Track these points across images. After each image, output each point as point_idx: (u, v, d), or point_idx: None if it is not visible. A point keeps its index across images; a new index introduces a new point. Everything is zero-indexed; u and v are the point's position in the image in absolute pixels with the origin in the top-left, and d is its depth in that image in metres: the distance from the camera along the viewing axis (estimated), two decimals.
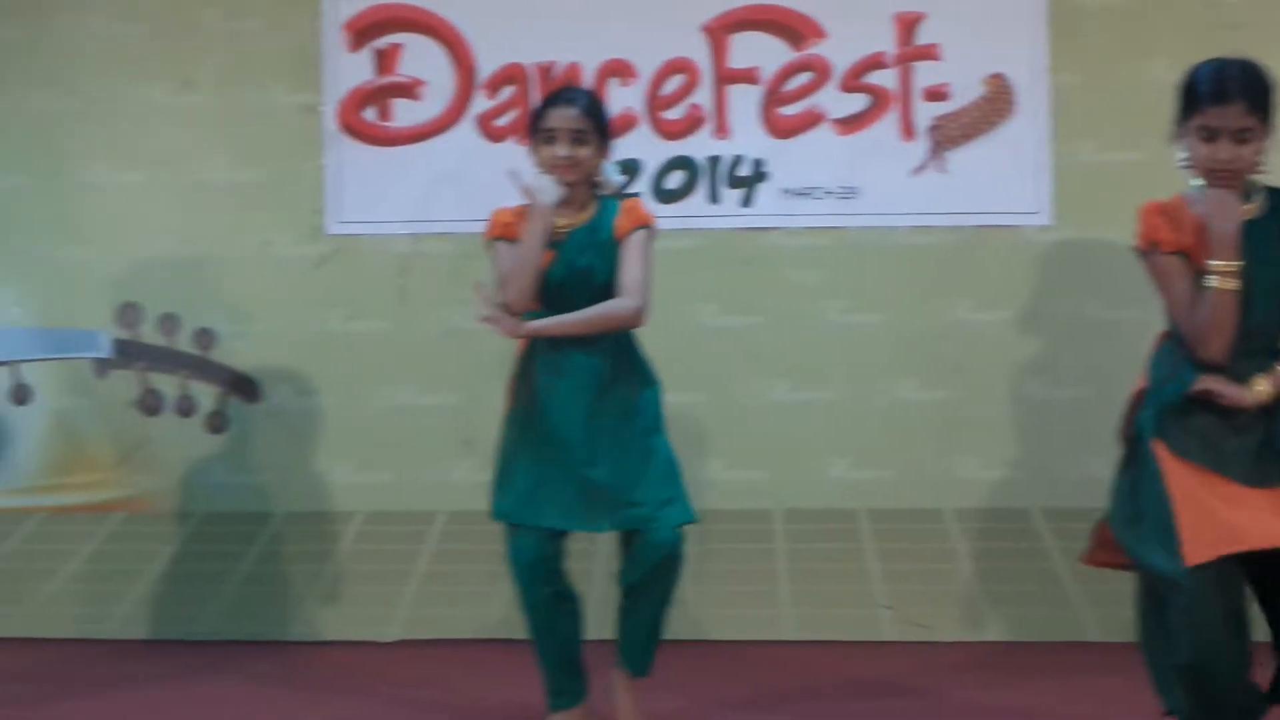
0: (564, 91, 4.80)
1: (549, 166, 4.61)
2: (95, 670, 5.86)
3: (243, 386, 6.51)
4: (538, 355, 4.65)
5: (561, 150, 4.58)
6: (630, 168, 6.22)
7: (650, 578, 4.60)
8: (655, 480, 4.60)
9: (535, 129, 4.66)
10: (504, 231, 4.67)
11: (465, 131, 6.38)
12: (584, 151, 4.60)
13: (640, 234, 4.64)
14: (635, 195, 5.62)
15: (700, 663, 5.68)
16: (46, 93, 6.60)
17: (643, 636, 4.70)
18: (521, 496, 4.61)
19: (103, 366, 6.55)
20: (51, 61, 6.60)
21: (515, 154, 6.25)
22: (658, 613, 4.68)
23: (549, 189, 4.55)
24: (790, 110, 6.31)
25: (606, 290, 4.61)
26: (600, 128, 4.66)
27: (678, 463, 4.70)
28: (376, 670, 5.85)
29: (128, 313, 6.54)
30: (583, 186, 4.67)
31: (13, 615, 6.49)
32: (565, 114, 4.60)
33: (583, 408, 4.58)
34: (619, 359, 4.65)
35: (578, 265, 4.60)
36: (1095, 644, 5.96)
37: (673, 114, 6.33)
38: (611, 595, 4.78)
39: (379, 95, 6.44)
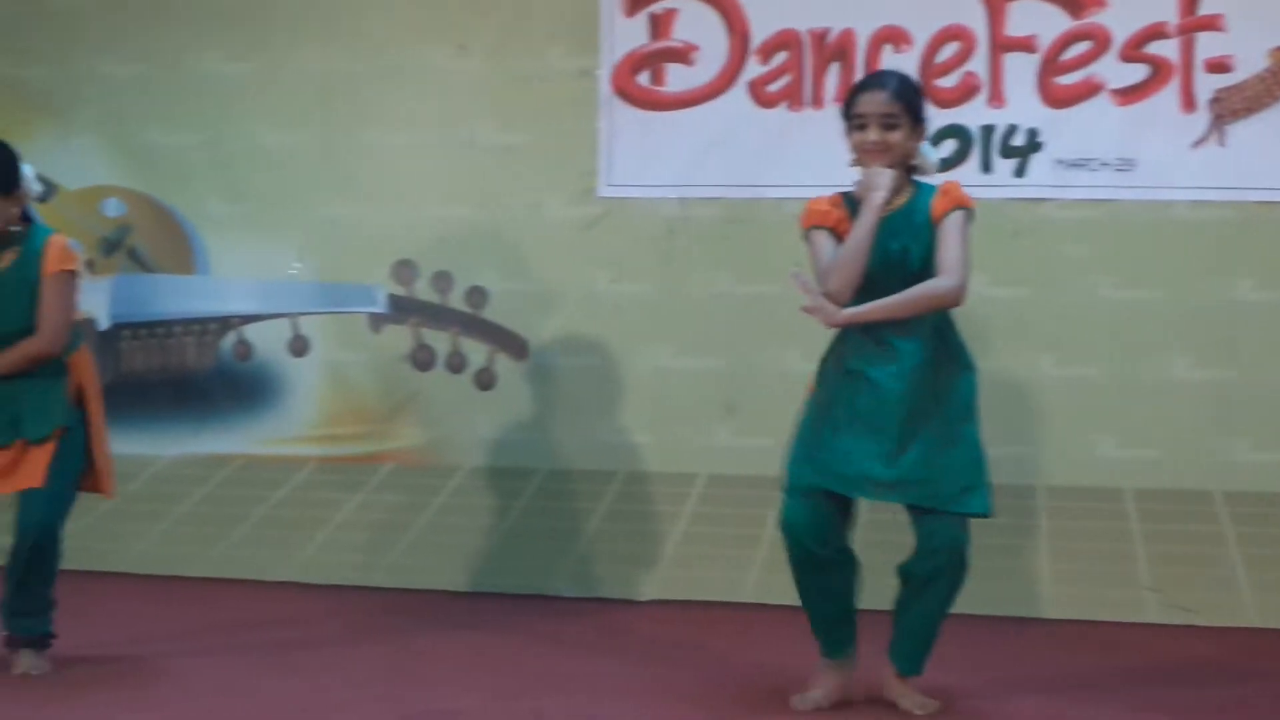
0: (874, 76, 4.76)
1: (860, 152, 4.56)
2: (365, 618, 6.01)
3: (511, 344, 6.62)
4: (849, 339, 4.58)
5: (871, 135, 4.52)
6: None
7: (934, 570, 4.53)
8: (958, 467, 4.53)
9: (847, 114, 4.60)
10: (821, 220, 4.63)
11: (736, 97, 6.39)
12: (894, 136, 4.52)
13: (958, 214, 4.53)
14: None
15: (961, 638, 5.63)
16: (328, 55, 6.80)
17: (919, 635, 4.61)
18: (814, 467, 4.55)
19: (378, 321, 6.73)
20: (334, 25, 6.80)
21: (785, 120, 6.32)
22: (935, 611, 4.59)
23: (883, 180, 4.50)
24: (1067, 79, 6.20)
25: (921, 274, 4.52)
26: (912, 110, 4.57)
27: (985, 454, 4.62)
28: (631, 628, 5.91)
29: (403, 270, 6.71)
30: (898, 170, 4.56)
31: (286, 561, 6.71)
32: (875, 99, 4.54)
33: (896, 392, 4.50)
34: (937, 342, 4.57)
35: (891, 249, 4.52)
36: None
37: (947, 82, 6.26)
38: (876, 565, 4.75)
39: (653, 60, 6.48)
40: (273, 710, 4.54)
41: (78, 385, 5.00)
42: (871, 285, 4.54)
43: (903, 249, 4.53)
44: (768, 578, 4.75)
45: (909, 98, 4.59)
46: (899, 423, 4.51)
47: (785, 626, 4.85)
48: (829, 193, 4.65)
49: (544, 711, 4.60)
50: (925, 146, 4.68)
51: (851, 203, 4.61)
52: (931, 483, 4.51)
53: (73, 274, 4.97)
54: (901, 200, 4.58)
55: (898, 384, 4.51)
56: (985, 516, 4.60)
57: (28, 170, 4.99)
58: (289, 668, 5.13)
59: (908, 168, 4.62)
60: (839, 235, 4.60)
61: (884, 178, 4.50)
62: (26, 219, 5.02)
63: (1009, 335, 6.21)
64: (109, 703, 4.60)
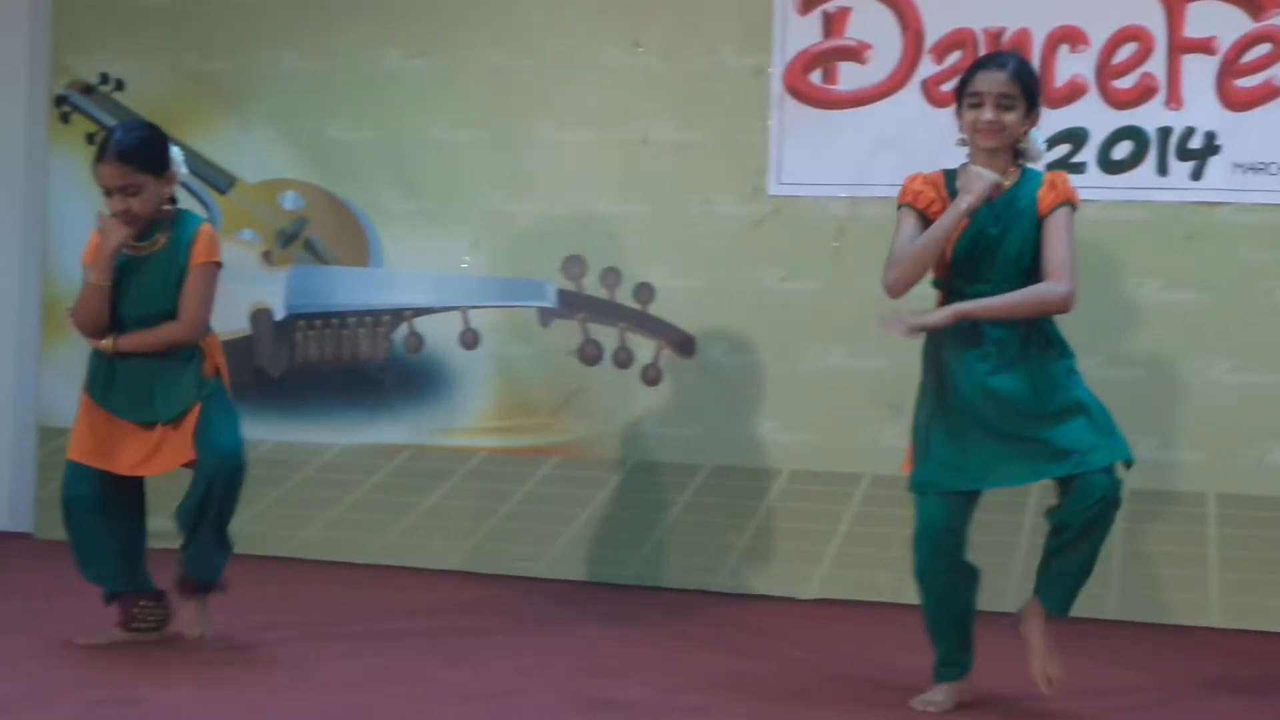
0: (993, 56, 4.76)
1: (972, 130, 4.55)
2: (530, 608, 6.09)
3: (678, 341, 6.65)
4: (949, 327, 4.55)
5: (987, 114, 4.51)
6: (1077, 137, 6.10)
7: (1085, 520, 4.47)
8: (1082, 426, 4.48)
9: (962, 93, 4.60)
10: (913, 200, 4.64)
11: (909, 96, 6.35)
12: (1009, 117, 4.52)
13: (1064, 210, 4.53)
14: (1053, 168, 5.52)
15: (1129, 645, 5.58)
16: (502, 50, 6.85)
17: (1071, 578, 4.57)
18: (939, 466, 4.56)
19: (547, 316, 6.79)
20: (507, 20, 6.85)
21: None
22: (1089, 556, 4.55)
23: (980, 186, 4.47)
24: (1247, 82, 6.09)
25: (1014, 261, 4.51)
26: (1028, 94, 4.56)
27: (1105, 408, 4.57)
28: (794, 626, 5.93)
29: (572, 265, 6.76)
30: (1005, 153, 4.58)
31: (453, 550, 6.81)
32: (993, 78, 4.53)
33: (994, 383, 4.50)
34: (1033, 332, 4.55)
35: (988, 233, 4.52)
36: None
37: (1123, 83, 6.17)
38: (1028, 570, 4.71)
39: (826, 58, 6.47)
40: (442, 696, 4.61)
41: (214, 367, 5.09)
42: (961, 267, 4.55)
43: (1000, 234, 4.52)
44: None
45: (1026, 80, 4.58)
46: (1007, 415, 4.49)
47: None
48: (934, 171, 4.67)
49: (709, 708, 4.62)
50: (1035, 134, 4.64)
51: (950, 184, 4.61)
52: (1064, 451, 4.47)
53: (217, 265, 5.08)
54: (1006, 184, 4.55)
55: (998, 378, 4.50)
56: (1128, 460, 4.54)
57: (175, 152, 5.09)
58: (456, 655, 5.20)
59: (1015, 152, 4.60)
60: (928, 217, 4.60)
61: (982, 183, 4.47)
62: (174, 202, 5.13)
63: (1183, 340, 6.11)
64: (276, 686, 4.69)
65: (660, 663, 5.23)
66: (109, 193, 4.98)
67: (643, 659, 5.29)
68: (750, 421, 6.58)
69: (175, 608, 5.13)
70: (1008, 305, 4.51)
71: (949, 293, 4.62)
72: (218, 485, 4.96)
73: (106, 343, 5.02)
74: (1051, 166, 4.63)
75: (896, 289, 4.65)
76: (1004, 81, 4.53)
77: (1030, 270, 4.55)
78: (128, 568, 5.10)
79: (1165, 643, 5.78)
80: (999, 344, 4.52)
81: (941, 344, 4.60)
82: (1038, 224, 4.54)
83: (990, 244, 4.53)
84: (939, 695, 4.66)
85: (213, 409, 5.00)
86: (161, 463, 5.01)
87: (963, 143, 4.63)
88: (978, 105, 4.53)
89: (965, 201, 4.49)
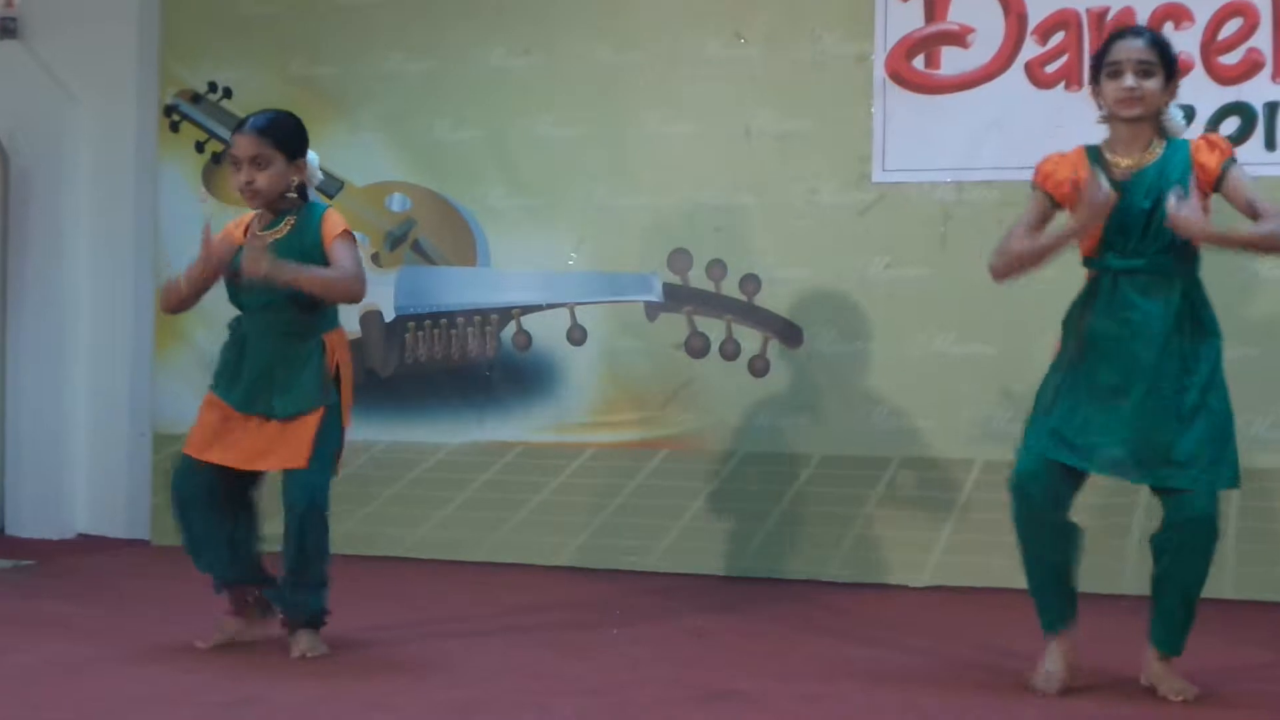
0: (1128, 27, 4.65)
1: (1112, 101, 4.46)
2: (642, 601, 6.11)
3: (785, 331, 6.65)
4: (1098, 299, 4.51)
5: (1127, 81, 4.42)
6: (1185, 113, 6.03)
7: (1182, 543, 4.42)
8: (1205, 439, 4.41)
9: (1099, 65, 4.52)
10: (1042, 181, 4.60)
11: (1013, 78, 6.32)
12: (1150, 85, 4.43)
13: (1233, 165, 4.45)
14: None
15: (1219, 622, 5.52)
16: (604, 46, 6.89)
17: (1176, 614, 4.49)
18: (1051, 434, 4.50)
19: (653, 310, 6.81)
20: (610, 16, 6.90)
21: (1063, 100, 6.23)
22: (1191, 587, 4.47)
23: (1100, 199, 4.40)
24: None
25: (1169, 233, 4.40)
26: (1167, 63, 4.48)
27: (1233, 422, 4.49)
28: (908, 614, 5.91)
29: (678, 259, 6.77)
30: (1149, 124, 4.50)
31: (564, 546, 6.84)
32: (1132, 45, 4.45)
33: (1141, 358, 4.42)
34: (1184, 307, 4.46)
35: (1140, 207, 4.44)
36: None
37: (1229, 59, 6.11)
38: (1145, 549, 4.67)
39: (928, 43, 6.45)
40: (558, 690, 4.63)
41: (335, 365, 5.04)
42: (1112, 242, 4.48)
43: (1152, 207, 4.43)
44: None
45: (1164, 49, 4.50)
46: (1143, 395, 4.42)
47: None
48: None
49: (826, 696, 4.61)
50: (1174, 108, 4.56)
51: (1095, 159, 4.53)
52: (1174, 462, 4.40)
53: (351, 234, 5.03)
54: (1151, 157, 4.49)
55: (1145, 352, 4.43)
56: (1234, 488, 4.48)
57: (313, 156, 5.13)
58: (571, 649, 5.22)
59: (1157, 124, 4.52)
60: (1056, 200, 4.56)
61: (1098, 199, 4.38)
62: (304, 198, 5.12)
63: None
64: (394, 684, 4.72)
65: (775, 653, 5.23)
66: (238, 165, 5.00)
67: (757, 649, 5.29)
68: (859, 410, 6.57)
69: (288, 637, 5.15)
70: (1257, 236, 4.39)
71: (1100, 270, 4.54)
72: (303, 532, 4.96)
73: (256, 246, 4.89)
74: (1177, 140, 4.53)
75: (998, 276, 4.64)
76: (1142, 49, 4.45)
77: (1185, 242, 4.44)
78: (239, 558, 5.11)
79: (1261, 619, 5.72)
80: (1151, 317, 4.45)
81: (1088, 311, 4.53)
82: (1195, 191, 4.44)
83: (1143, 219, 4.45)
84: (1052, 664, 4.61)
85: (323, 432, 4.97)
86: (272, 461, 5.00)
87: (1104, 119, 4.55)
88: (1117, 74, 4.45)
89: (1080, 221, 4.44)
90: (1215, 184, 4.45)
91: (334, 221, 5.02)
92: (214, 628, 5.18)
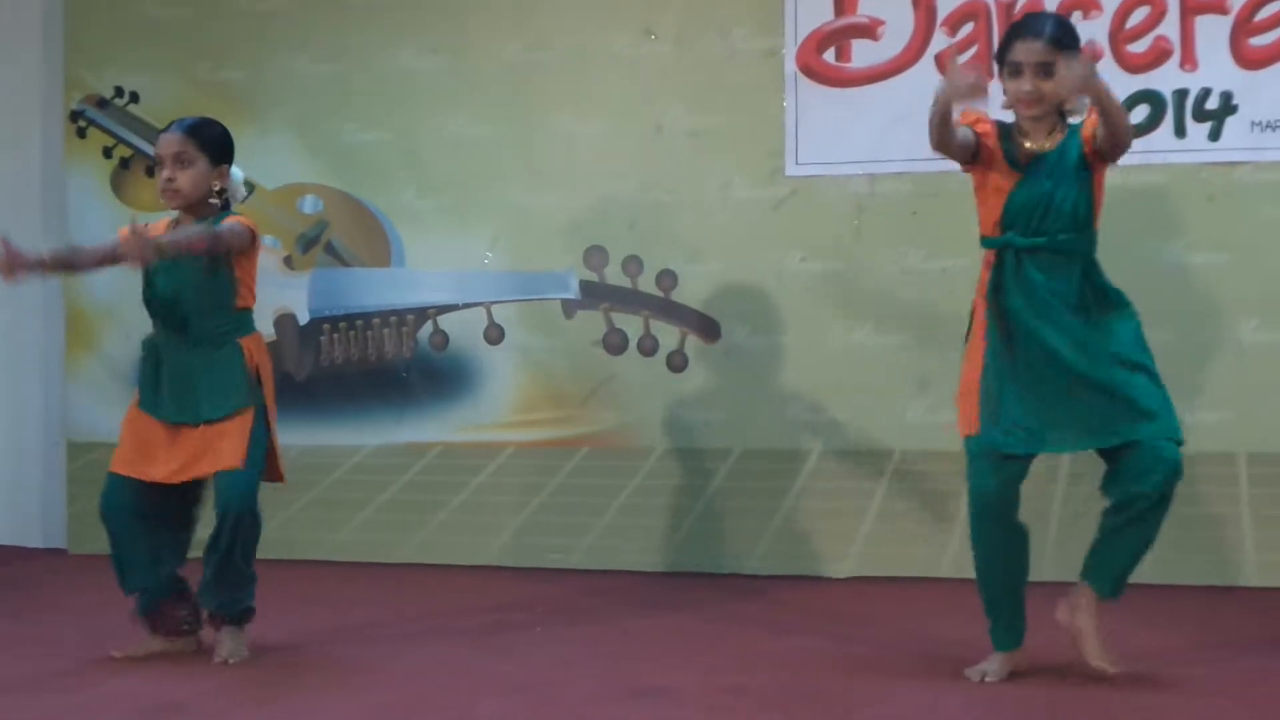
0: (1030, 21, 4.64)
1: (1014, 100, 4.55)
2: (567, 600, 6.10)
3: (702, 326, 6.66)
4: (1004, 277, 4.56)
5: (1026, 85, 4.49)
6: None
7: (1156, 494, 4.45)
8: (1156, 392, 4.51)
9: (1001, 61, 4.59)
10: (965, 118, 4.60)
11: (924, 70, 6.33)
12: (1048, 85, 4.47)
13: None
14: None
15: (1164, 607, 5.58)
16: (514, 44, 6.86)
17: (1127, 558, 4.55)
18: (1013, 428, 4.52)
19: (570, 308, 6.80)
20: (519, 15, 6.86)
21: None
22: (1150, 534, 4.53)
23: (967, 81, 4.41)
24: (1261, 41, 6.07)
25: (1070, 215, 4.51)
26: (1069, 54, 4.47)
27: (1164, 386, 4.56)
28: (830, 605, 5.93)
29: (593, 256, 6.77)
30: (1050, 117, 4.56)
31: (487, 546, 6.82)
32: (1030, 48, 4.49)
33: (1061, 328, 4.49)
34: (1085, 285, 4.55)
35: (1042, 188, 4.52)
36: None
37: (1137, 47, 6.17)
38: (1063, 537, 4.71)
39: (838, 36, 6.46)
40: (485, 691, 4.62)
41: (255, 367, 5.02)
42: (1013, 221, 4.55)
43: (1054, 188, 4.51)
44: (966, 552, 4.72)
45: (1065, 42, 4.52)
46: (1071, 370, 4.48)
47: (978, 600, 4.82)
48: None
49: (750, 688, 4.63)
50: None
51: (1005, 137, 4.59)
52: (1120, 418, 4.47)
53: (248, 225, 4.98)
54: (1055, 141, 4.56)
55: (1066, 331, 4.50)
56: (1179, 442, 4.51)
57: (238, 172, 5.12)
58: (497, 649, 5.21)
59: (1060, 112, 4.59)
60: (977, 134, 4.59)
61: (972, 80, 4.42)
62: (225, 208, 5.09)
63: (1208, 301, 6.11)
64: (315, 691, 4.69)
65: (700, 647, 5.24)
66: (162, 163, 4.98)
67: (682, 644, 5.30)
68: (778, 403, 6.58)
69: (213, 635, 5.10)
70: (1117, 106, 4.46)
71: (1002, 248, 4.59)
72: (236, 533, 4.92)
73: (135, 238, 4.67)
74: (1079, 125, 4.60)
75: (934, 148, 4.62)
76: (1041, 50, 4.48)
77: (1085, 223, 4.56)
78: (161, 574, 5.08)
79: (1200, 603, 5.78)
80: (1056, 295, 4.52)
81: (1001, 291, 4.57)
82: (1090, 174, 4.54)
83: (1044, 199, 4.53)
84: (993, 665, 4.65)
85: (256, 430, 4.97)
86: (205, 466, 4.95)
87: (1009, 107, 4.60)
88: (1016, 74, 4.51)
89: (953, 91, 4.43)
90: (1094, 142, 4.51)
91: (233, 218, 5.00)
92: (134, 639, 5.13)
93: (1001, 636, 4.68)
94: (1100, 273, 4.61)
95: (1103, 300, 4.58)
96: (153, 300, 5.02)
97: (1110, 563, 4.57)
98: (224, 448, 4.93)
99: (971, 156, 4.61)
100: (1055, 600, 4.67)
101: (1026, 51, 4.50)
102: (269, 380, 5.09)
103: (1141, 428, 4.48)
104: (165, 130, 5.06)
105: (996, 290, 4.59)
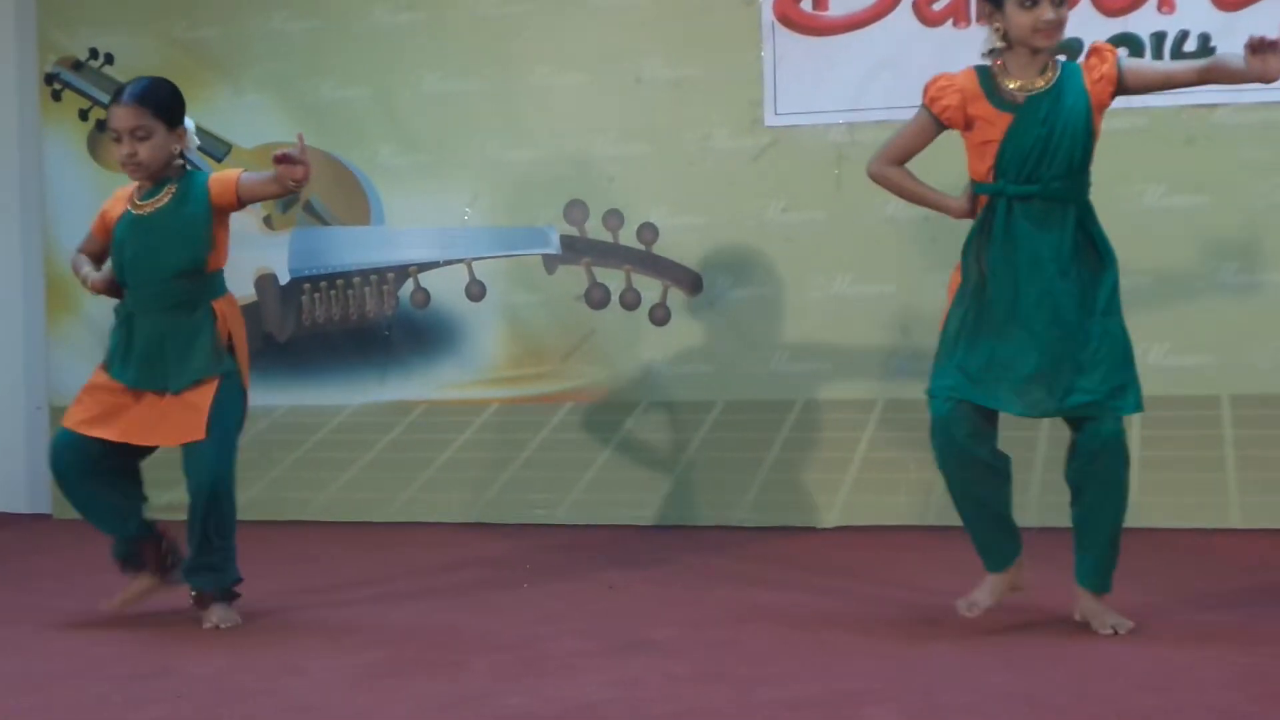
0: None
1: (1032, 31, 4.36)
2: (553, 555, 6.10)
3: (684, 279, 6.65)
4: (993, 227, 4.49)
5: (1048, 14, 4.34)
6: (1071, 47, 6.03)
7: (1096, 473, 4.44)
8: (1109, 365, 4.42)
9: None
10: (930, 103, 4.55)
11: (901, 17, 6.32)
12: (1065, 11, 4.38)
13: (1124, 60, 4.45)
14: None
15: (1147, 551, 5.58)
16: None
17: (1102, 552, 4.51)
18: (959, 374, 4.49)
19: (551, 262, 6.79)
20: None
21: (952, 38, 6.24)
22: (1114, 522, 4.49)
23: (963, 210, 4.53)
24: None
25: (1066, 160, 4.41)
26: None
27: (1132, 347, 4.50)
28: (817, 555, 5.94)
29: (574, 210, 6.75)
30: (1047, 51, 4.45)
31: (472, 503, 6.83)
32: None
33: (1038, 286, 4.42)
34: (1079, 235, 4.47)
35: (1036, 133, 4.41)
36: None
37: None
38: (1048, 481, 4.71)
39: None
40: (472, 648, 4.62)
41: (228, 333, 4.96)
42: (1006, 169, 4.45)
43: (1048, 133, 4.41)
44: (951, 500, 4.71)
45: None
46: (1044, 325, 4.42)
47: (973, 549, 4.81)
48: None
49: (738, 640, 4.64)
50: None
51: (986, 81, 4.49)
52: (1081, 389, 4.40)
53: (244, 171, 4.98)
54: (1045, 81, 4.45)
55: (1043, 283, 4.42)
56: (1138, 411, 4.47)
57: (190, 124, 5.04)
58: (485, 606, 5.22)
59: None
60: (941, 123, 4.56)
61: (967, 207, 4.55)
62: (185, 168, 5.02)
63: (1188, 244, 6.12)
64: (303, 650, 4.68)
65: (686, 600, 5.24)
66: (119, 138, 4.89)
67: (669, 597, 5.30)
68: (761, 355, 6.59)
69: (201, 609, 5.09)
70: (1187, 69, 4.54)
71: (994, 194, 4.50)
72: (210, 508, 4.89)
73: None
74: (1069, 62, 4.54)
75: (874, 181, 4.73)
76: None
77: (1081, 168, 4.47)
78: (129, 525, 5.03)
79: (1184, 547, 5.80)
80: (1045, 246, 4.44)
81: (985, 240, 4.51)
82: (1089, 115, 4.44)
83: (1039, 144, 4.42)
84: (980, 594, 4.64)
85: (219, 403, 4.89)
86: (169, 435, 4.91)
87: (992, 53, 4.49)
88: (1034, 5, 4.36)
89: (954, 211, 4.59)
90: (1119, 88, 4.45)
91: (224, 178, 4.95)
92: (122, 588, 5.12)
93: (987, 559, 4.66)
94: (1094, 220, 4.51)
95: (1090, 253, 4.49)
96: (124, 264, 4.98)
97: (1087, 556, 4.54)
98: (187, 418, 4.87)
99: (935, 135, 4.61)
100: (1042, 543, 4.66)
101: None
102: (243, 344, 5.02)
103: (1088, 404, 4.41)
104: (115, 101, 4.92)
105: (980, 237, 4.53)
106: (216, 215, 4.96)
